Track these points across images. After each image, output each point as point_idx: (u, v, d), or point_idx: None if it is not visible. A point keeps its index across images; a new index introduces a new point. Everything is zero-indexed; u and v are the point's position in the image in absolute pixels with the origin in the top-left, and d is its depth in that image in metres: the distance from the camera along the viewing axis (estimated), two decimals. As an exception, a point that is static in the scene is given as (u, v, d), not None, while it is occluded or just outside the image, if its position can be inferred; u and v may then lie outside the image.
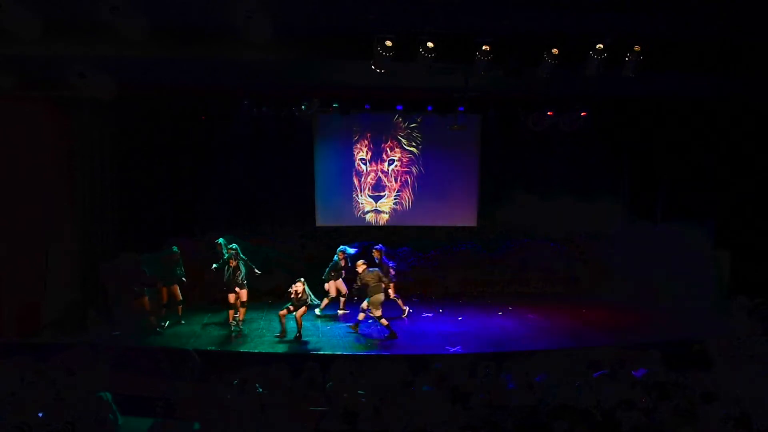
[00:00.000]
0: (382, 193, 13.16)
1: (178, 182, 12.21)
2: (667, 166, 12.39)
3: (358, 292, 10.50)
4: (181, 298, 10.53)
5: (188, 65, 9.18)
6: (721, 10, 7.24)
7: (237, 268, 10.00)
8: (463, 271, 13.16)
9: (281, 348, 9.35)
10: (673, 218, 12.25)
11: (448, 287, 13.09)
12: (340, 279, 11.21)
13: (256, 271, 10.26)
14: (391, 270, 10.96)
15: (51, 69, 8.58)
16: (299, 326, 9.69)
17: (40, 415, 4.86)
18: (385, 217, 13.22)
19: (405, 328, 10.41)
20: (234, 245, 10.15)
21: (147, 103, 11.11)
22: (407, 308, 11.25)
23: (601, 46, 7.89)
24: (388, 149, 13.09)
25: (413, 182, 13.20)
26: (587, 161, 12.96)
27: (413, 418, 5.01)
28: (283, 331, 9.77)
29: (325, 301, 11.01)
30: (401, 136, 13.10)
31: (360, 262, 10.26)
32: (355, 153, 13.05)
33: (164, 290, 10.42)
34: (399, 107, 12.30)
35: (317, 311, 10.90)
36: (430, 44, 7.78)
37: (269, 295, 11.85)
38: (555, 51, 7.95)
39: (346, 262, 11.08)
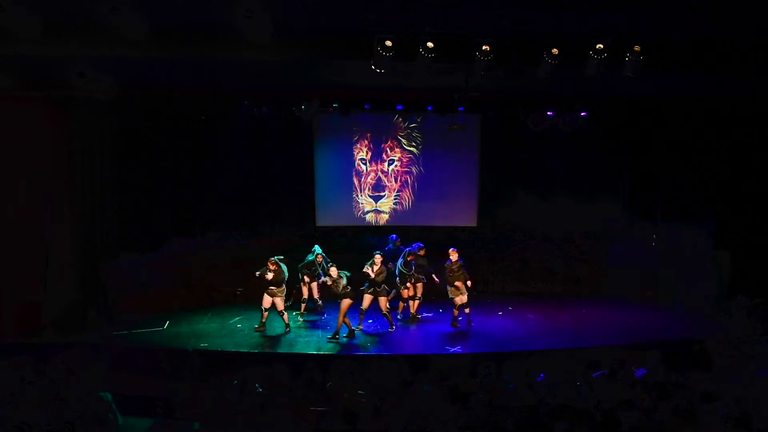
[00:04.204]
0: (382, 193, 13.15)
1: (178, 182, 12.19)
2: (667, 166, 12.38)
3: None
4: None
5: (188, 65, 9.18)
6: (721, 10, 7.24)
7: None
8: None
9: (281, 348, 9.36)
10: (673, 218, 12.26)
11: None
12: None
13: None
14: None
15: (51, 69, 8.57)
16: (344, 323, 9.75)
17: (40, 415, 4.86)
18: (385, 217, 13.22)
19: (405, 328, 10.41)
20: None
21: (147, 103, 11.09)
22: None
23: (601, 46, 7.90)
24: (388, 149, 13.09)
25: (413, 182, 13.20)
26: (587, 161, 12.95)
27: (413, 418, 5.00)
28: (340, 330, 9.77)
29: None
30: (401, 136, 13.09)
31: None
32: (355, 153, 13.05)
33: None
34: (399, 107, 12.31)
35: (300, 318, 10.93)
36: (430, 44, 7.78)
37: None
38: (555, 51, 7.95)
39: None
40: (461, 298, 10.31)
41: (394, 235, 11.62)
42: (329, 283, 9.73)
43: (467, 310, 10.46)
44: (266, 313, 10.00)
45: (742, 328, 9.51)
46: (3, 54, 7.73)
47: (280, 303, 9.96)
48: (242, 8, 6.74)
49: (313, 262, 10.94)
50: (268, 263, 9.86)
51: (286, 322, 10.07)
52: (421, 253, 10.75)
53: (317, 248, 11.04)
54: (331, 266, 9.82)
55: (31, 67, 8.72)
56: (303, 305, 11.12)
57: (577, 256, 13.36)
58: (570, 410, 4.74)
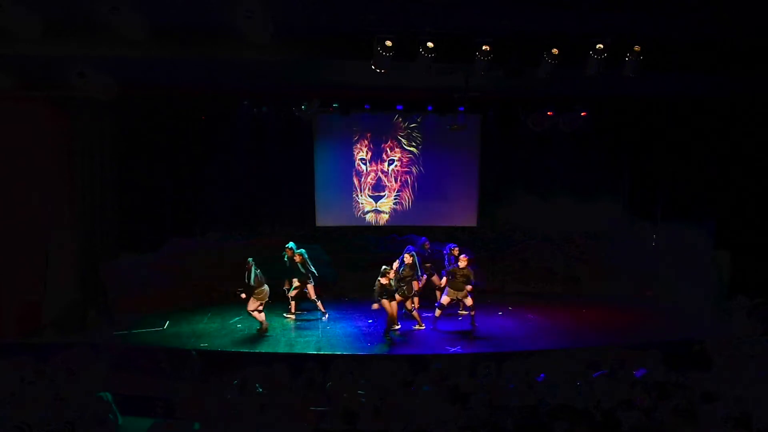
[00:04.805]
0: (382, 193, 13.15)
1: (178, 182, 12.19)
2: (667, 166, 12.39)
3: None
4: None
5: (188, 65, 9.18)
6: (721, 10, 7.24)
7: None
8: (463, 271, 13.14)
9: (281, 348, 9.35)
10: (673, 218, 12.27)
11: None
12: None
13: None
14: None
15: (51, 69, 8.58)
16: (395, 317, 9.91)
17: (40, 415, 4.86)
18: (385, 217, 13.21)
19: (405, 328, 10.41)
20: (302, 250, 10.76)
21: (147, 103, 11.09)
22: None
23: (601, 46, 7.90)
24: (388, 149, 13.08)
25: (413, 182, 13.19)
26: (587, 161, 12.94)
27: (413, 418, 5.01)
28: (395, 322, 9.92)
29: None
30: (401, 136, 13.09)
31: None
32: (355, 153, 13.04)
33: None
34: (399, 107, 12.30)
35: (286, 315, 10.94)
36: (430, 44, 7.78)
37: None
38: (555, 51, 7.95)
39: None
40: (447, 299, 10.35)
41: (424, 238, 11.69)
42: (384, 283, 9.65)
43: (472, 313, 10.46)
44: (258, 314, 10.03)
45: (742, 328, 9.52)
46: (3, 54, 7.72)
47: (249, 303, 9.91)
48: (242, 8, 6.73)
49: (298, 264, 10.76)
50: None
51: (260, 320, 10.05)
52: (455, 252, 10.84)
53: (292, 245, 10.83)
54: (388, 270, 9.71)
55: (31, 67, 8.72)
56: (293, 303, 11.04)
57: (577, 256, 13.37)
58: (570, 410, 4.74)
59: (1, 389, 5.49)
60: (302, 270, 10.73)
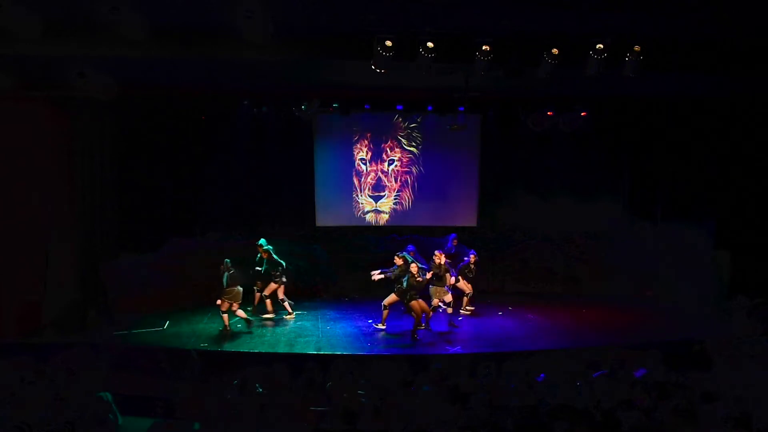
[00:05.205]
0: (382, 193, 13.15)
1: (178, 182, 12.20)
2: (667, 166, 12.40)
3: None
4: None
5: (188, 65, 9.18)
6: (721, 10, 7.24)
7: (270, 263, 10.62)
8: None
9: (281, 348, 9.35)
10: (673, 218, 12.27)
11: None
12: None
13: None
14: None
15: (51, 69, 8.58)
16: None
17: (40, 415, 4.86)
18: (385, 217, 13.21)
19: (405, 328, 10.41)
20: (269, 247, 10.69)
21: (147, 103, 11.10)
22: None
23: (601, 46, 7.90)
24: (388, 149, 13.08)
25: (413, 182, 13.20)
26: (587, 161, 12.94)
27: (413, 418, 5.01)
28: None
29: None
30: (401, 136, 13.09)
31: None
32: (355, 153, 13.04)
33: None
34: (399, 107, 12.31)
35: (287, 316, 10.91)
36: (430, 44, 7.79)
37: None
38: (555, 51, 7.96)
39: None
40: (435, 301, 10.44)
41: (454, 234, 11.70)
42: (419, 279, 9.59)
43: (449, 310, 10.71)
44: (241, 313, 10.09)
45: (742, 328, 9.52)
46: (3, 54, 7.73)
47: (220, 304, 9.98)
48: (242, 8, 6.74)
49: (264, 260, 10.69)
50: None
51: (225, 324, 10.05)
52: (473, 259, 11.17)
53: (262, 241, 10.76)
54: (413, 263, 9.66)
55: (31, 67, 8.72)
56: (286, 304, 10.95)
57: (577, 256, 13.37)
58: (570, 410, 4.74)
59: (1, 389, 5.49)
60: (267, 266, 10.69)
